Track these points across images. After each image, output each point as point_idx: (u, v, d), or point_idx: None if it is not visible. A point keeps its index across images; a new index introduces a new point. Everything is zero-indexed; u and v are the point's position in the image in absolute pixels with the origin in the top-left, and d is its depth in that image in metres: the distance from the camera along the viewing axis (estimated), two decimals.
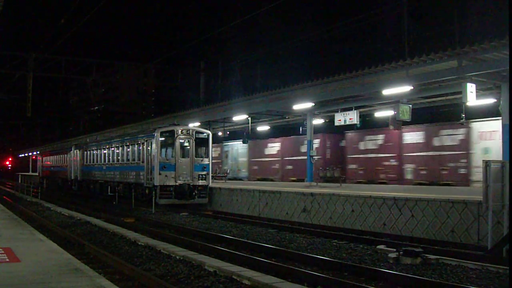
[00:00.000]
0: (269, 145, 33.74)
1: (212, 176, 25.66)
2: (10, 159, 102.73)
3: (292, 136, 31.95)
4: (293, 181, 29.07)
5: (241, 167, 36.26)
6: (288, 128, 34.54)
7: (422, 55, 15.67)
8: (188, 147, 24.05)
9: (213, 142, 38.30)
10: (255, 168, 34.82)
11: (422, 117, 25.79)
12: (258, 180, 32.87)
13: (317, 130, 27.95)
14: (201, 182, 23.77)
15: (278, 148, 32.84)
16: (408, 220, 14.10)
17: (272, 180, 31.59)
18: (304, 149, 28.83)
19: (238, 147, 36.57)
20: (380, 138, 26.35)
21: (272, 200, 19.75)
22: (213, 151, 36.96)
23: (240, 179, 34.72)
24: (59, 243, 11.75)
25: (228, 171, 34.25)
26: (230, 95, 32.94)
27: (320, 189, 18.98)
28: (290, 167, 31.33)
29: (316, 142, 28.51)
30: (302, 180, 27.13)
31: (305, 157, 26.45)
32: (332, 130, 29.08)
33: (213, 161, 36.70)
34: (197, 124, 28.40)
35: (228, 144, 37.82)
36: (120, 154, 28.42)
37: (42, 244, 10.27)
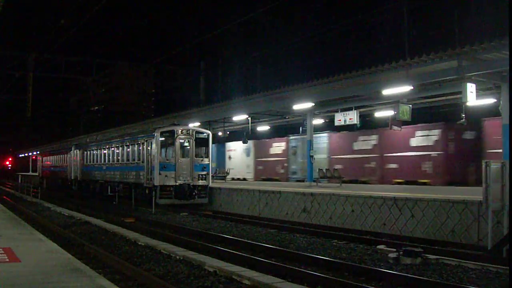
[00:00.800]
0: (361, 138, 27.53)
1: (212, 176, 25.64)
2: (10, 159, 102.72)
3: (398, 127, 25.91)
4: (399, 183, 24.09)
5: (317, 166, 30.88)
6: (289, 128, 34.51)
7: (422, 55, 15.66)
8: (188, 147, 24.05)
9: (273, 136, 34.95)
10: (338, 168, 28.32)
11: (422, 117, 25.75)
12: (343, 182, 26.80)
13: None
14: (201, 182, 23.78)
15: (374, 142, 26.68)
16: (408, 220, 14.09)
17: (366, 183, 26.00)
18: (415, 142, 24.21)
19: (312, 142, 31.27)
20: None
21: (272, 200, 19.75)
22: (275, 146, 33.37)
23: (315, 181, 29.70)
24: (59, 243, 11.74)
25: (295, 171, 30.16)
26: (230, 95, 32.97)
27: (320, 189, 18.99)
28: (393, 165, 25.40)
29: (435, 134, 23.52)
30: (413, 183, 23.07)
31: (418, 153, 23.05)
32: (454, 119, 23.45)
33: (275, 158, 33.01)
34: (197, 124, 28.39)
35: (297, 138, 31.74)
36: (120, 154, 28.42)
37: (42, 244, 10.27)
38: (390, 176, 25.29)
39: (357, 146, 27.74)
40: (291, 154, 31.94)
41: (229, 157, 37.51)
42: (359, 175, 26.93)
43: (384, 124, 24.68)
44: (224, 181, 31.11)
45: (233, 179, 35.37)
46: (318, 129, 30.66)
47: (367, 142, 27.15)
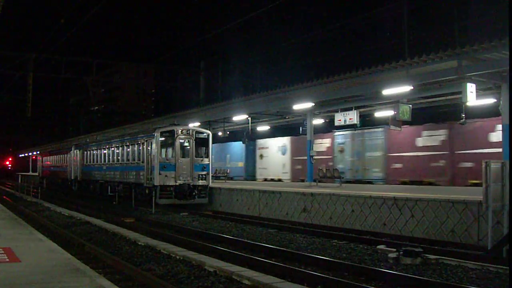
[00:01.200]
0: (425, 133, 23.90)
1: (212, 176, 25.62)
2: (10, 159, 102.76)
3: (474, 120, 22.26)
4: (475, 184, 20.59)
5: (370, 166, 26.64)
6: (288, 128, 34.41)
7: (422, 55, 15.67)
8: (188, 147, 24.06)
9: (321, 132, 29.39)
10: (397, 167, 25.06)
11: (422, 117, 25.72)
12: (403, 183, 24.07)
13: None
14: (201, 182, 23.77)
15: (443, 138, 23.22)
16: (408, 220, 14.09)
17: (432, 184, 22.69)
18: (497, 137, 20.37)
19: (365, 138, 27.07)
20: None
21: (272, 200, 19.75)
22: (317, 143, 29.44)
23: (369, 182, 25.87)
24: (59, 243, 11.75)
25: (342, 171, 26.24)
26: (230, 95, 32.87)
27: (320, 189, 18.98)
28: (468, 164, 21.99)
29: None
30: None
31: (500, 150, 18.95)
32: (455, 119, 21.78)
33: (317, 157, 28.30)
34: (197, 124, 28.40)
35: (345, 134, 28.13)
36: (120, 154, 28.43)
37: (42, 244, 10.27)
38: (463, 176, 22.21)
39: (421, 142, 24.15)
40: (337, 152, 28.57)
41: (261, 156, 34.58)
42: (424, 176, 23.73)
43: (454, 117, 22.65)
44: (224, 181, 30.93)
45: (265, 180, 32.87)
46: (371, 123, 27.79)
47: (434, 137, 23.58)
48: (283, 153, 32.74)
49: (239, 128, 33.18)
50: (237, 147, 36.60)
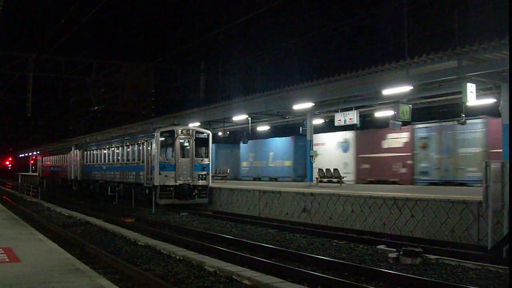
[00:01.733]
0: None
1: (212, 176, 25.60)
2: (10, 159, 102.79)
3: None
4: None
5: (463, 164, 22.47)
6: (288, 128, 34.37)
7: (422, 55, 15.68)
8: (188, 147, 24.06)
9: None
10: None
11: (422, 117, 25.72)
12: None
13: None
14: (201, 182, 23.77)
15: None
16: (408, 220, 14.09)
17: None
18: None
19: (457, 130, 22.73)
20: None
21: (272, 200, 19.75)
22: (391, 138, 25.96)
23: (463, 184, 21.88)
24: (59, 243, 11.75)
25: (426, 170, 23.58)
26: (230, 95, 32.85)
27: (320, 189, 18.98)
28: None
29: None
30: None
31: None
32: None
33: (391, 154, 25.80)
34: (197, 124, 28.40)
35: (429, 126, 23.88)
36: (120, 154, 28.42)
37: (42, 244, 10.27)
38: None
39: None
40: (419, 148, 24.53)
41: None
42: None
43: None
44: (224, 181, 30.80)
45: (321, 181, 25.81)
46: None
47: None
48: (345, 150, 28.54)
49: (239, 128, 33.16)
50: (283, 143, 32.82)
